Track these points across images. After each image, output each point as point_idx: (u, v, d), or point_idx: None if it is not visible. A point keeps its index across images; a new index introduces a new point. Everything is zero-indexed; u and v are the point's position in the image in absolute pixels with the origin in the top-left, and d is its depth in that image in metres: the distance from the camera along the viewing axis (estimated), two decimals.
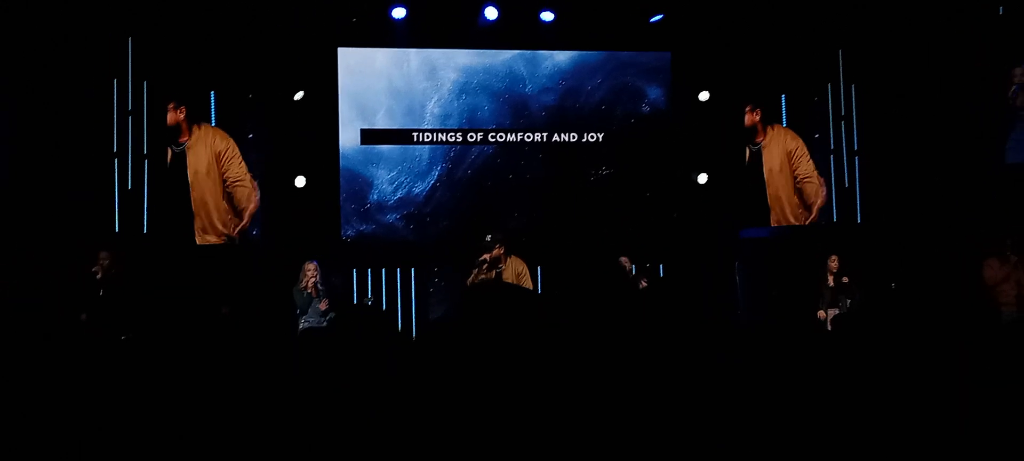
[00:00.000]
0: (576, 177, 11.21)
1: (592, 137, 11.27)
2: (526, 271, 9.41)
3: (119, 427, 3.99)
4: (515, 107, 11.18)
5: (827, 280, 9.85)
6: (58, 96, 9.55)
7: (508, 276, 9.15)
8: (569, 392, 3.64)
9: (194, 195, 10.36)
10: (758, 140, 11.47)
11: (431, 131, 11.01)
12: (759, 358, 4.38)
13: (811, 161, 11.52)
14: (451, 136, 11.06)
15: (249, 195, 10.46)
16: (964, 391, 3.73)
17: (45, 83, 9.48)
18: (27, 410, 4.02)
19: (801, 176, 11.51)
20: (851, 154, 11.64)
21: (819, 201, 11.46)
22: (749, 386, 3.96)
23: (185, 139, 10.34)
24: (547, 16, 10.95)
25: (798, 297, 10.13)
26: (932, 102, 10.92)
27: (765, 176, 11.48)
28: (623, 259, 10.11)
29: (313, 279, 9.19)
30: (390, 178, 10.95)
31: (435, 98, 11.06)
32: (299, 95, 10.54)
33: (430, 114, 11.04)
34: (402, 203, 10.97)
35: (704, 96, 11.33)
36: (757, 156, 11.49)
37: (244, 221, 10.40)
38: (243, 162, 10.50)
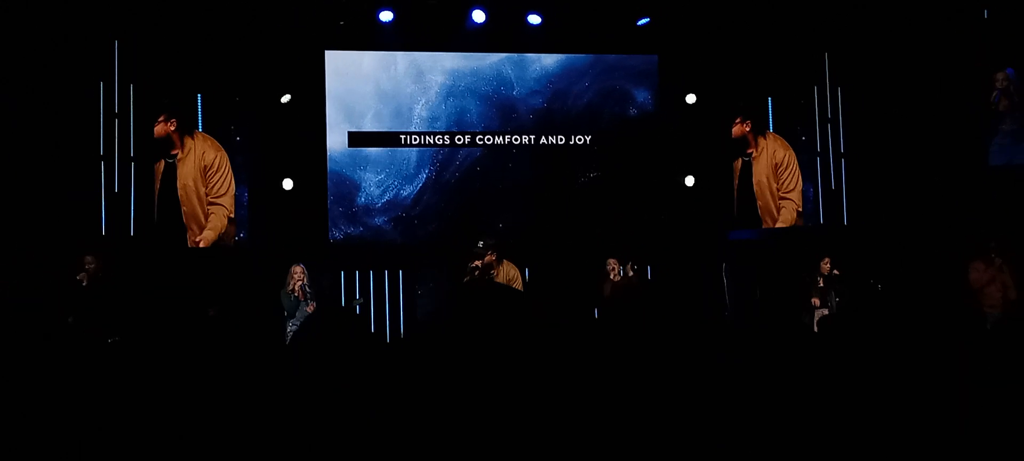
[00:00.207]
0: (564, 180, 11.23)
1: (580, 140, 11.29)
2: (518, 276, 9.40)
3: (107, 428, 3.98)
4: (503, 110, 11.20)
5: (817, 282, 9.88)
6: (44, 99, 9.51)
7: (500, 281, 9.16)
8: (559, 390, 3.65)
9: (185, 209, 10.37)
10: (749, 151, 11.52)
11: (419, 134, 11.02)
12: (747, 358, 4.40)
13: (799, 181, 11.52)
14: (439, 139, 11.06)
15: (220, 219, 10.42)
16: (952, 391, 3.75)
17: (31, 86, 9.43)
18: (16, 411, 4.01)
19: (783, 191, 11.53)
20: (837, 156, 11.68)
21: (782, 219, 11.49)
22: (738, 386, 3.98)
23: (177, 152, 10.33)
24: (534, 19, 10.97)
25: (785, 298, 10.17)
26: (917, 105, 10.98)
27: (755, 188, 11.53)
28: (611, 261, 10.12)
29: (300, 282, 9.17)
30: (378, 181, 10.95)
31: (423, 101, 11.06)
32: (286, 98, 10.53)
33: (418, 117, 11.05)
34: (390, 206, 10.97)
35: (691, 99, 11.37)
36: (748, 167, 11.53)
37: (200, 239, 10.36)
38: (230, 179, 10.48)
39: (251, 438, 3.66)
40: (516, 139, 11.20)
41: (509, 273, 9.35)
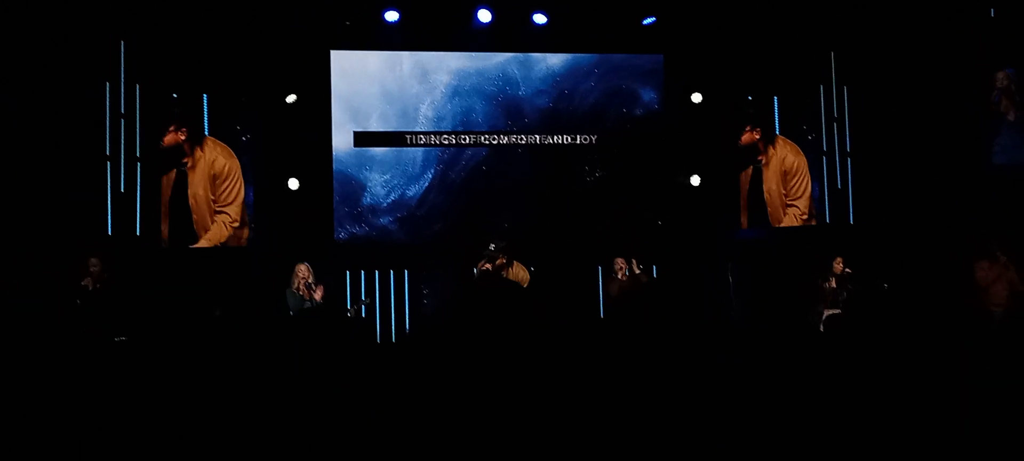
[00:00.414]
0: (570, 179, 11.22)
1: (586, 139, 11.28)
2: (527, 278, 9.45)
3: (114, 427, 3.98)
4: (508, 110, 11.19)
5: (830, 281, 9.82)
6: (50, 99, 9.53)
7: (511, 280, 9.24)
8: (560, 388, 3.65)
9: (195, 218, 10.39)
10: (759, 158, 11.50)
11: (424, 133, 11.01)
12: (752, 358, 4.39)
13: (808, 188, 11.50)
14: (445, 138, 11.06)
15: (220, 228, 10.44)
16: (958, 388, 3.74)
17: (37, 86, 9.45)
18: (24, 410, 4.02)
19: (790, 198, 11.51)
20: (843, 155, 11.65)
21: (786, 224, 11.48)
22: (743, 385, 3.97)
23: (187, 160, 10.35)
24: (540, 19, 10.96)
25: (791, 298, 10.14)
26: (923, 104, 10.95)
27: (765, 195, 11.50)
28: (618, 260, 10.10)
29: (305, 280, 9.16)
30: (383, 181, 10.95)
31: (428, 101, 11.06)
32: (291, 98, 10.53)
33: (424, 117, 11.05)
34: (395, 206, 10.97)
35: (697, 98, 11.35)
36: (758, 174, 11.51)
37: (201, 243, 10.39)
38: (239, 187, 10.51)
39: (255, 435, 3.67)
40: (522, 139, 11.18)
41: (519, 274, 9.40)
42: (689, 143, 11.31)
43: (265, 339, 7.83)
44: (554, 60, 11.28)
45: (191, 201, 10.37)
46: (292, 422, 3.68)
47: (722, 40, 11.16)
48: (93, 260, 8.83)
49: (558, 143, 11.23)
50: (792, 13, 10.98)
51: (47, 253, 9.15)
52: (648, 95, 11.43)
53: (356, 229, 10.90)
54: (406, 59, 11.05)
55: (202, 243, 10.37)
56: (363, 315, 10.39)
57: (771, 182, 11.50)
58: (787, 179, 11.49)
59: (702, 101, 11.38)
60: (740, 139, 11.50)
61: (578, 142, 11.27)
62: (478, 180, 11.11)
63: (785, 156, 11.50)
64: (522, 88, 11.22)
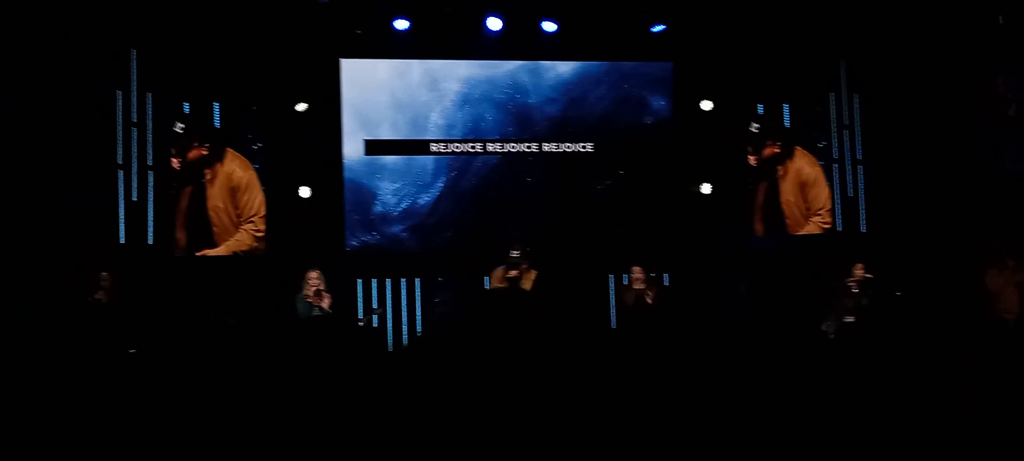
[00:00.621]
0: (581, 187, 11.21)
1: (596, 147, 11.27)
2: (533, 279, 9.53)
3: (128, 434, 4.00)
4: (519, 118, 11.20)
5: (851, 287, 9.78)
6: (63, 108, 9.56)
7: (525, 286, 9.31)
8: (567, 394, 3.66)
9: (216, 230, 10.47)
10: (780, 172, 11.49)
11: (435, 142, 11.03)
12: (765, 363, 4.39)
13: (829, 199, 11.52)
14: (455, 146, 11.07)
15: (245, 237, 10.49)
16: (970, 396, 3.74)
17: (50, 94, 9.49)
18: (40, 418, 4.03)
19: (813, 209, 11.52)
20: (855, 163, 11.65)
21: (807, 229, 11.49)
22: (756, 391, 3.98)
23: (207, 173, 10.41)
24: (549, 27, 10.97)
25: (805, 305, 10.12)
26: (934, 111, 10.95)
27: (783, 208, 11.49)
28: (635, 269, 10.09)
29: (315, 288, 9.17)
30: (394, 189, 10.96)
31: (438, 109, 11.08)
32: (302, 106, 10.56)
33: (434, 125, 11.06)
34: (406, 214, 10.98)
35: (707, 105, 11.34)
36: (775, 185, 11.49)
37: (219, 250, 10.43)
38: (260, 199, 10.58)
39: (265, 440, 3.68)
40: (532, 147, 11.19)
41: (530, 278, 9.49)
42: (700, 151, 11.29)
43: (277, 347, 7.85)
44: (564, 68, 11.29)
45: (211, 214, 10.43)
46: (299, 428, 3.69)
47: (732, 48, 11.16)
48: (103, 274, 8.83)
49: (568, 151, 11.24)
50: (802, 21, 10.98)
51: (59, 262, 9.19)
52: (658, 103, 11.43)
53: (367, 237, 10.92)
54: (416, 67, 11.06)
55: (221, 249, 10.40)
56: (375, 324, 10.40)
57: (788, 194, 11.49)
58: (805, 190, 11.49)
59: (712, 109, 11.37)
60: (763, 153, 11.46)
61: (589, 150, 11.27)
62: (489, 188, 11.12)
63: (801, 167, 11.51)
64: (532, 96, 11.23)
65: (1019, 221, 9.91)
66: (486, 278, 10.12)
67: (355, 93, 10.91)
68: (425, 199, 11.02)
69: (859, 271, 9.74)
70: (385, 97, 10.98)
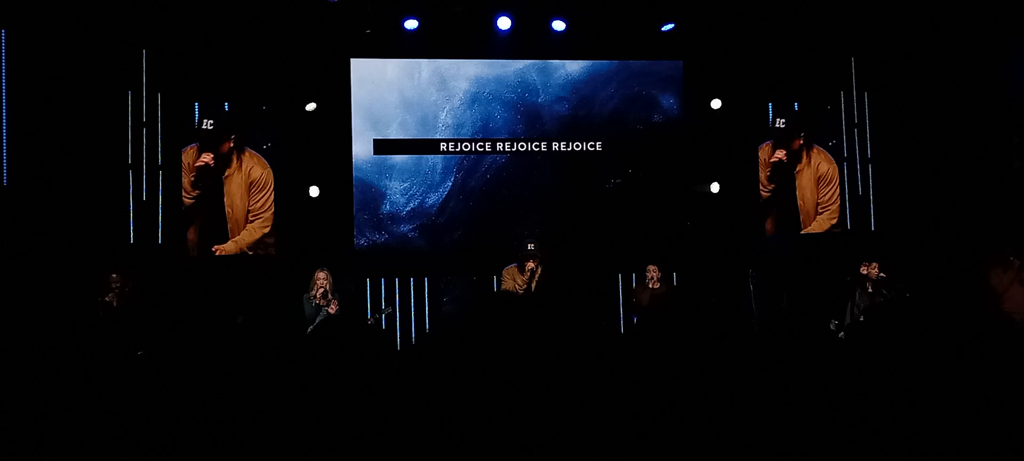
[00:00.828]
0: (590, 186, 11.20)
1: (606, 146, 11.26)
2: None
3: (137, 434, 4.00)
4: (528, 117, 11.19)
5: (866, 287, 9.76)
6: (73, 108, 9.60)
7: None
8: (577, 394, 3.65)
9: (230, 226, 10.52)
10: (799, 167, 11.48)
11: (444, 141, 11.03)
12: (776, 363, 4.38)
13: (837, 197, 11.50)
14: (464, 146, 11.07)
15: (251, 233, 10.53)
16: (976, 395, 3.72)
17: (60, 95, 9.53)
18: (51, 419, 4.05)
19: (822, 204, 11.50)
20: (865, 162, 11.61)
21: (817, 225, 11.46)
22: (767, 390, 3.97)
23: (230, 171, 10.45)
24: (559, 26, 10.96)
25: (816, 304, 10.10)
26: (944, 109, 10.92)
27: (799, 202, 11.48)
28: (651, 267, 10.08)
29: (322, 288, 9.16)
30: (403, 189, 10.97)
31: (447, 108, 11.08)
32: (311, 106, 10.58)
33: (443, 124, 11.06)
34: (414, 214, 10.98)
35: (716, 104, 11.32)
36: (792, 180, 11.47)
37: (221, 248, 10.46)
38: (272, 199, 10.61)
39: (274, 439, 3.68)
40: (541, 146, 11.18)
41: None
42: (709, 149, 11.27)
43: (286, 345, 7.86)
44: (573, 67, 11.28)
45: (227, 210, 10.49)
46: (307, 428, 3.69)
47: (741, 46, 11.14)
48: (114, 276, 8.85)
49: (578, 150, 11.22)
50: (812, 19, 10.95)
51: (69, 263, 9.22)
52: (668, 101, 11.42)
53: (376, 237, 10.93)
54: (424, 66, 11.06)
55: (230, 245, 10.44)
56: (383, 325, 10.40)
57: (805, 189, 11.49)
58: (820, 186, 11.48)
59: (721, 107, 11.35)
60: (792, 146, 11.45)
61: (598, 149, 11.26)
62: (498, 187, 11.11)
63: (819, 164, 11.51)
64: (541, 95, 11.22)
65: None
66: (495, 277, 10.12)
67: (364, 93, 10.92)
68: (434, 198, 11.02)
69: (874, 270, 9.71)
70: (394, 96, 10.99)
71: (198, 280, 10.02)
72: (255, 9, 10.15)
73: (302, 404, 3.89)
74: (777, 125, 11.48)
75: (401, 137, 10.98)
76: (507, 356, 3.78)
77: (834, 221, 11.47)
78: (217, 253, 10.45)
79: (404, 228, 10.98)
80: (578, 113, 11.27)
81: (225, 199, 10.49)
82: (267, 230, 10.55)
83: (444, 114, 11.08)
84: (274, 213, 10.58)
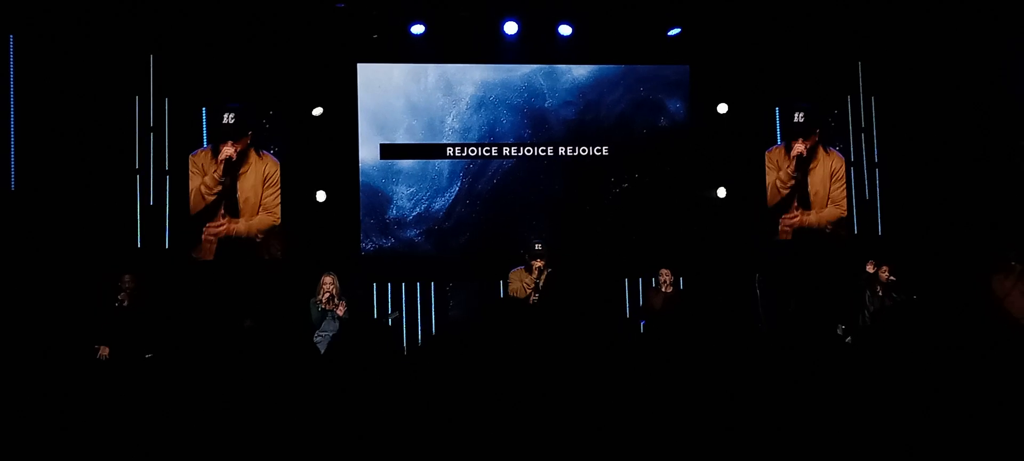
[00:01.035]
0: (597, 190, 11.20)
1: (612, 150, 11.26)
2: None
3: (142, 437, 4.01)
4: (535, 121, 11.20)
5: (877, 290, 9.76)
6: (80, 113, 9.63)
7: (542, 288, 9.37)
8: (579, 396, 3.66)
9: (243, 220, 10.55)
10: (813, 165, 11.49)
11: (450, 145, 11.04)
12: (783, 368, 4.37)
13: (844, 190, 11.53)
14: (471, 150, 11.08)
15: (264, 220, 10.57)
16: (981, 400, 3.72)
17: (67, 100, 9.55)
18: (56, 420, 4.06)
19: (833, 200, 11.52)
20: (871, 166, 11.60)
21: (828, 214, 11.48)
22: (774, 395, 3.96)
23: (246, 167, 10.49)
24: (565, 30, 10.96)
25: (823, 308, 10.10)
26: (952, 114, 10.90)
27: (811, 198, 11.48)
28: (664, 271, 10.09)
29: (328, 293, 9.16)
30: (409, 194, 10.98)
31: (454, 113, 11.09)
32: (318, 111, 10.59)
33: (450, 129, 11.07)
34: (422, 218, 10.99)
35: (723, 109, 11.31)
36: (805, 175, 11.48)
37: (239, 225, 10.53)
38: (279, 194, 10.66)
39: (279, 443, 3.69)
40: (548, 150, 11.19)
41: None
42: (716, 154, 11.26)
43: (293, 349, 7.86)
44: (580, 71, 11.29)
45: (241, 204, 10.53)
46: (313, 431, 3.70)
47: (748, 51, 11.13)
48: (127, 277, 8.88)
49: (584, 154, 11.23)
50: (819, 23, 10.94)
51: (78, 267, 9.24)
52: (674, 106, 11.42)
53: (383, 241, 10.94)
54: (431, 71, 11.08)
55: (241, 225, 10.50)
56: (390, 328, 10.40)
57: (817, 185, 11.49)
58: (833, 181, 11.50)
59: (728, 111, 11.34)
60: (811, 139, 11.46)
61: (605, 153, 11.26)
62: (505, 192, 11.12)
63: (833, 160, 11.51)
64: (548, 99, 11.23)
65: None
66: (502, 281, 10.12)
67: (371, 97, 10.94)
68: (440, 203, 11.03)
69: (884, 273, 9.71)
70: (401, 101, 11.00)
71: (205, 284, 10.04)
72: (262, 14, 10.17)
73: (313, 408, 3.89)
74: (796, 120, 11.47)
75: (408, 142, 10.99)
76: (512, 361, 3.78)
77: (842, 214, 11.46)
78: (230, 233, 10.46)
79: (411, 233, 10.99)
80: (585, 117, 11.27)
81: (239, 194, 10.51)
82: (277, 222, 10.58)
83: (451, 119, 11.10)
84: (281, 210, 10.60)
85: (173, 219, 10.31)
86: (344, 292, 9.27)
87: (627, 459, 3.57)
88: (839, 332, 9.71)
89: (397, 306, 10.81)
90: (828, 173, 11.50)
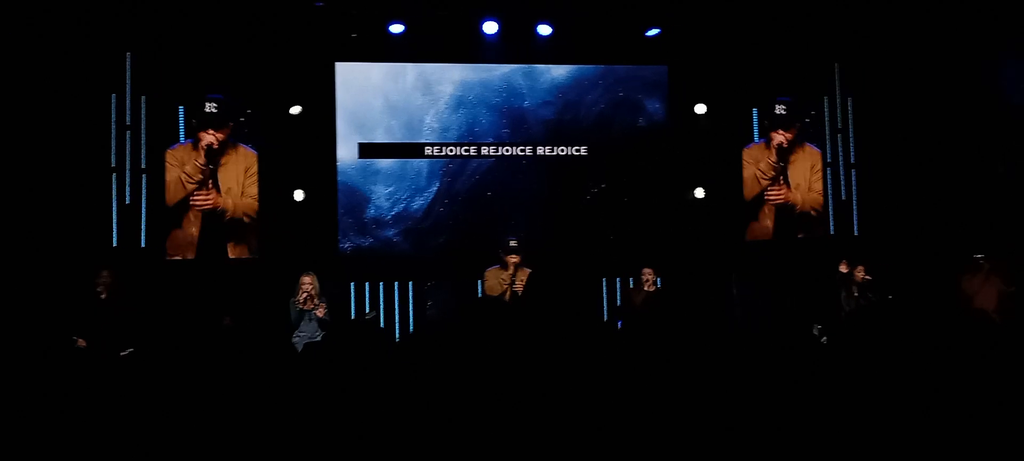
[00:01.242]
0: (576, 190, 11.22)
1: (591, 150, 11.28)
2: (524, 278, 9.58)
3: (123, 438, 3.99)
4: (514, 121, 11.21)
5: (852, 291, 9.83)
6: (56, 111, 9.56)
7: (517, 287, 9.38)
8: (563, 398, 3.67)
9: (230, 199, 10.53)
10: (794, 157, 11.55)
11: (429, 145, 11.03)
12: (759, 367, 4.39)
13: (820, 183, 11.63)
14: (450, 150, 11.07)
15: (249, 203, 10.54)
16: (954, 398, 3.76)
17: (43, 98, 9.49)
18: (33, 425, 4.03)
19: (813, 190, 11.61)
20: (848, 167, 11.68)
21: (812, 201, 11.57)
22: (750, 394, 3.98)
23: (226, 158, 10.45)
24: (544, 30, 10.98)
25: (799, 308, 10.15)
26: (928, 114, 10.98)
27: (792, 187, 11.56)
28: (646, 271, 10.13)
29: (306, 292, 9.13)
30: (388, 193, 10.96)
31: (432, 112, 11.08)
32: (296, 110, 10.56)
33: (428, 128, 11.06)
34: (400, 218, 10.97)
35: (701, 109, 11.36)
36: (785, 169, 11.54)
37: (227, 202, 10.53)
38: (256, 182, 10.63)
39: (265, 447, 3.68)
40: (527, 150, 11.19)
41: (523, 276, 9.54)
42: (694, 154, 11.30)
43: (272, 349, 7.84)
44: (559, 71, 11.30)
45: (224, 192, 10.51)
46: (294, 432, 3.69)
47: (726, 52, 11.18)
48: (104, 272, 8.86)
49: (563, 154, 11.24)
50: (796, 24, 11.01)
51: (53, 265, 9.18)
52: (653, 106, 11.45)
53: (361, 240, 10.92)
54: (410, 71, 11.06)
55: (229, 202, 10.49)
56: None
57: (799, 176, 11.56)
58: (812, 172, 11.58)
59: (706, 112, 11.38)
60: (792, 130, 11.52)
61: (584, 153, 11.28)
62: (484, 191, 11.12)
63: (810, 153, 11.59)
64: (527, 99, 11.24)
65: (1008, 224, 9.98)
66: (479, 281, 10.12)
67: (349, 96, 10.91)
68: (419, 202, 11.02)
69: (859, 273, 9.79)
70: (379, 101, 10.98)
71: (182, 283, 9.99)
72: (240, 12, 10.13)
73: (289, 409, 3.88)
74: (778, 112, 11.53)
75: (386, 141, 10.97)
76: (490, 360, 3.78)
77: (818, 206, 11.59)
78: (218, 206, 10.44)
79: (389, 232, 10.97)
80: (564, 117, 11.29)
81: (221, 185, 10.47)
82: (256, 209, 10.56)
83: (429, 118, 11.08)
84: (259, 207, 10.57)
85: (150, 218, 10.24)
86: (323, 292, 9.25)
87: (603, 458, 3.58)
88: (815, 332, 9.75)
89: (375, 306, 10.78)
90: (809, 165, 11.58)
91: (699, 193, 11.33)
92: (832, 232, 11.58)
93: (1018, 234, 9.76)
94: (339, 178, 10.83)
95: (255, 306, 9.52)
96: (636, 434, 3.57)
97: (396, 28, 10.72)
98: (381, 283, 10.94)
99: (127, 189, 10.19)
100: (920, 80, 10.99)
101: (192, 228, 10.34)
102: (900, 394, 3.83)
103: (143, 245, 10.20)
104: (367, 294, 10.90)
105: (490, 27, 10.82)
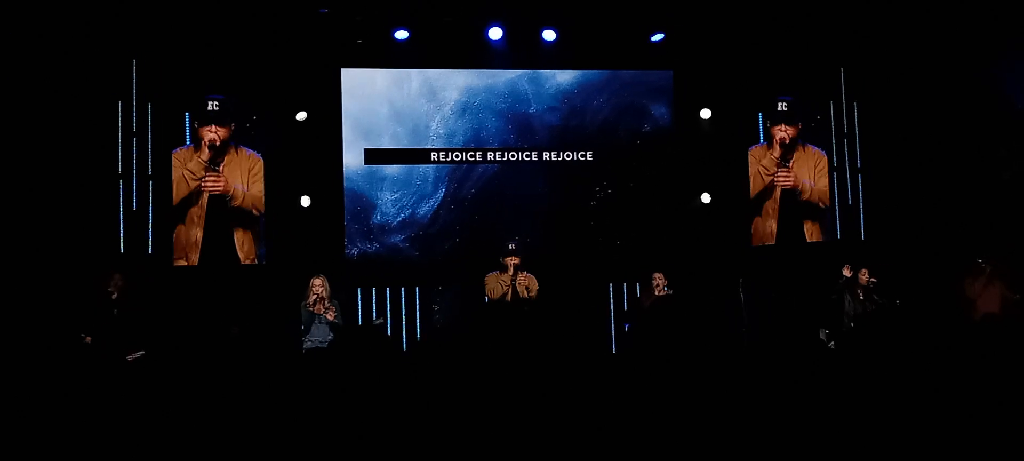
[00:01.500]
0: (582, 195, 11.22)
1: (596, 156, 11.28)
2: (535, 287, 9.60)
3: (130, 444, 4.00)
4: (519, 126, 11.21)
5: (858, 294, 9.83)
6: (63, 118, 9.58)
7: (519, 289, 9.42)
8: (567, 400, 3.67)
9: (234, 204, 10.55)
10: (796, 155, 11.54)
11: (435, 151, 11.04)
12: (767, 372, 4.39)
13: (826, 181, 11.62)
14: (455, 155, 11.08)
15: (252, 198, 10.56)
16: (958, 397, 3.76)
17: (50, 105, 9.51)
18: (42, 428, 4.04)
19: (818, 190, 11.61)
20: (854, 171, 11.67)
21: (818, 193, 11.57)
22: (757, 400, 3.98)
23: (229, 158, 10.46)
24: (549, 36, 10.98)
25: (806, 312, 10.14)
26: (934, 119, 10.97)
27: (799, 188, 11.57)
28: (657, 275, 10.11)
29: (316, 295, 9.15)
30: (394, 199, 10.97)
31: (438, 118, 11.09)
32: (301, 116, 10.57)
33: (434, 134, 11.07)
34: (406, 224, 10.98)
35: (706, 114, 11.35)
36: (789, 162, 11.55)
37: (238, 193, 10.55)
38: (261, 182, 10.64)
39: (272, 453, 3.69)
40: (533, 155, 11.19)
41: (528, 284, 9.57)
42: (699, 159, 11.29)
43: (281, 355, 7.85)
44: (564, 77, 11.31)
45: (230, 191, 10.53)
46: (299, 438, 3.70)
47: (731, 56, 11.18)
48: (116, 275, 8.89)
49: (569, 159, 11.24)
50: (802, 29, 11.00)
51: (61, 271, 9.19)
52: (658, 111, 11.45)
53: (367, 246, 10.92)
54: (415, 77, 11.07)
55: (239, 189, 10.50)
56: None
57: (803, 174, 11.59)
58: (816, 171, 11.58)
59: (711, 117, 11.38)
60: (796, 126, 11.54)
61: (589, 159, 11.28)
62: (489, 197, 11.11)
63: (814, 153, 11.59)
64: (532, 105, 11.24)
65: (1012, 227, 9.98)
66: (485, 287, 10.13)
67: (355, 103, 10.92)
68: (425, 208, 11.02)
69: (864, 276, 9.78)
70: (385, 107, 11.00)
71: (189, 290, 9.99)
72: (246, 19, 10.14)
73: (299, 414, 3.89)
74: (780, 109, 11.53)
75: (392, 147, 10.98)
76: (498, 366, 3.79)
77: (825, 200, 11.62)
78: (227, 191, 10.47)
79: (395, 238, 10.97)
80: (569, 123, 11.29)
81: (225, 184, 10.49)
82: (263, 203, 10.58)
83: (435, 124, 11.09)
84: (264, 212, 10.59)
85: (156, 223, 10.25)
86: (333, 294, 9.27)
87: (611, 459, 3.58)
88: (822, 337, 9.75)
89: (382, 312, 10.79)
90: (812, 164, 11.58)
91: (705, 198, 11.31)
92: (838, 237, 11.56)
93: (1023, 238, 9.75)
94: (345, 184, 10.84)
95: (262, 313, 9.52)
96: (645, 438, 3.57)
97: (401, 34, 10.72)
98: (388, 289, 10.93)
99: (134, 195, 10.21)
100: (925, 84, 10.99)
101: (196, 229, 10.35)
102: (908, 398, 3.83)
103: (150, 251, 10.20)
104: (374, 300, 10.89)
105: (495, 33, 10.83)
